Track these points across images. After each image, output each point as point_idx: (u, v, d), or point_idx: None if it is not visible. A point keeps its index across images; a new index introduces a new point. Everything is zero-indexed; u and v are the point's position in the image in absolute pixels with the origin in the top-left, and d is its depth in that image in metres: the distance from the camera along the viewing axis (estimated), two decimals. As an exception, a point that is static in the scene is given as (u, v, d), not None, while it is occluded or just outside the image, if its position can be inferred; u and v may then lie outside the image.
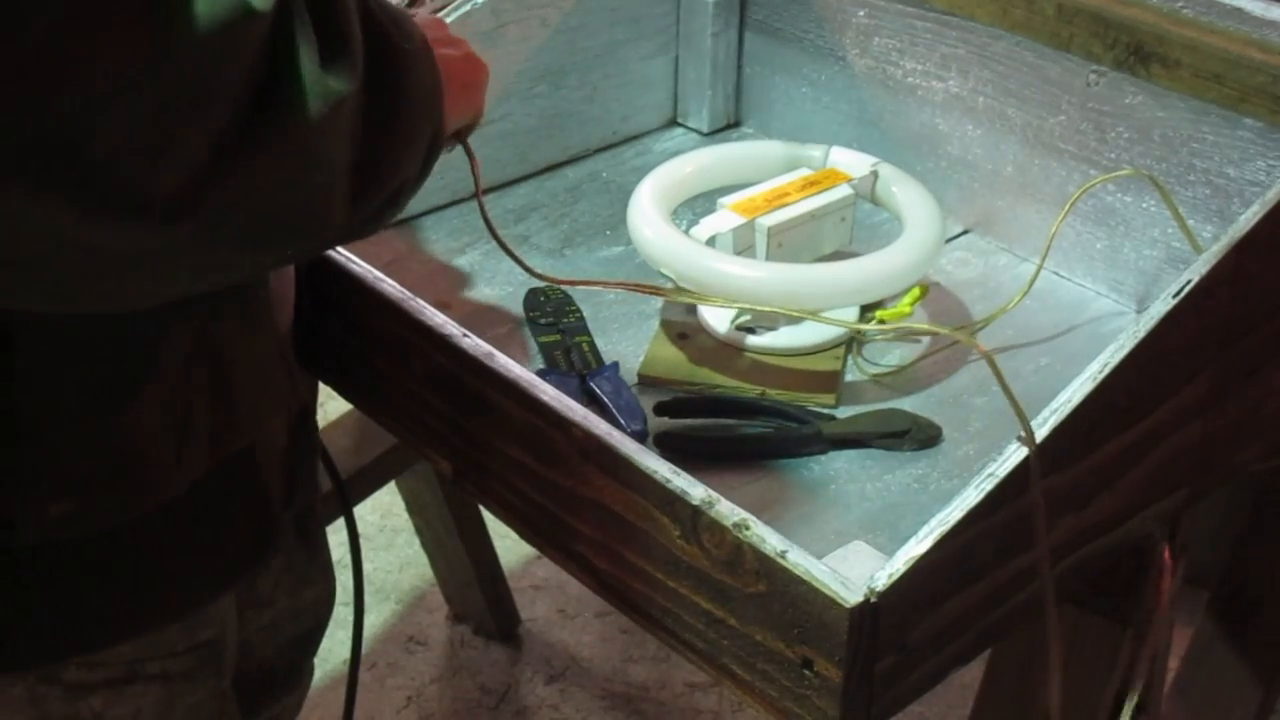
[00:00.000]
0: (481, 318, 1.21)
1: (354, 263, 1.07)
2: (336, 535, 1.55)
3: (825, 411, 1.10)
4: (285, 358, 1.01)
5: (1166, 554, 1.15)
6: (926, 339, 1.17)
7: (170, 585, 0.93)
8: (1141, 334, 0.89)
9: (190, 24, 0.62)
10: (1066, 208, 1.18)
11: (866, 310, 1.20)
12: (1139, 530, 1.02)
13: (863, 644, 0.79)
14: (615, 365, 1.14)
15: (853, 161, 1.26)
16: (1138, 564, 1.09)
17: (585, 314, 1.20)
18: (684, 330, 1.19)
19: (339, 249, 1.07)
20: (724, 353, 1.17)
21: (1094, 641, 1.09)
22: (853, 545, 0.95)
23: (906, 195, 1.25)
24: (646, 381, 1.14)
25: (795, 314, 1.11)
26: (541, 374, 1.12)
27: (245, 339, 0.92)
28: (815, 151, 1.29)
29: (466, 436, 1.02)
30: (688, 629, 0.89)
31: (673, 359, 1.16)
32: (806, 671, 0.82)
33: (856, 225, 1.25)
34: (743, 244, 1.18)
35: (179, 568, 0.93)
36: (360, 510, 1.46)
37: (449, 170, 1.34)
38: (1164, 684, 1.24)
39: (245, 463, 0.95)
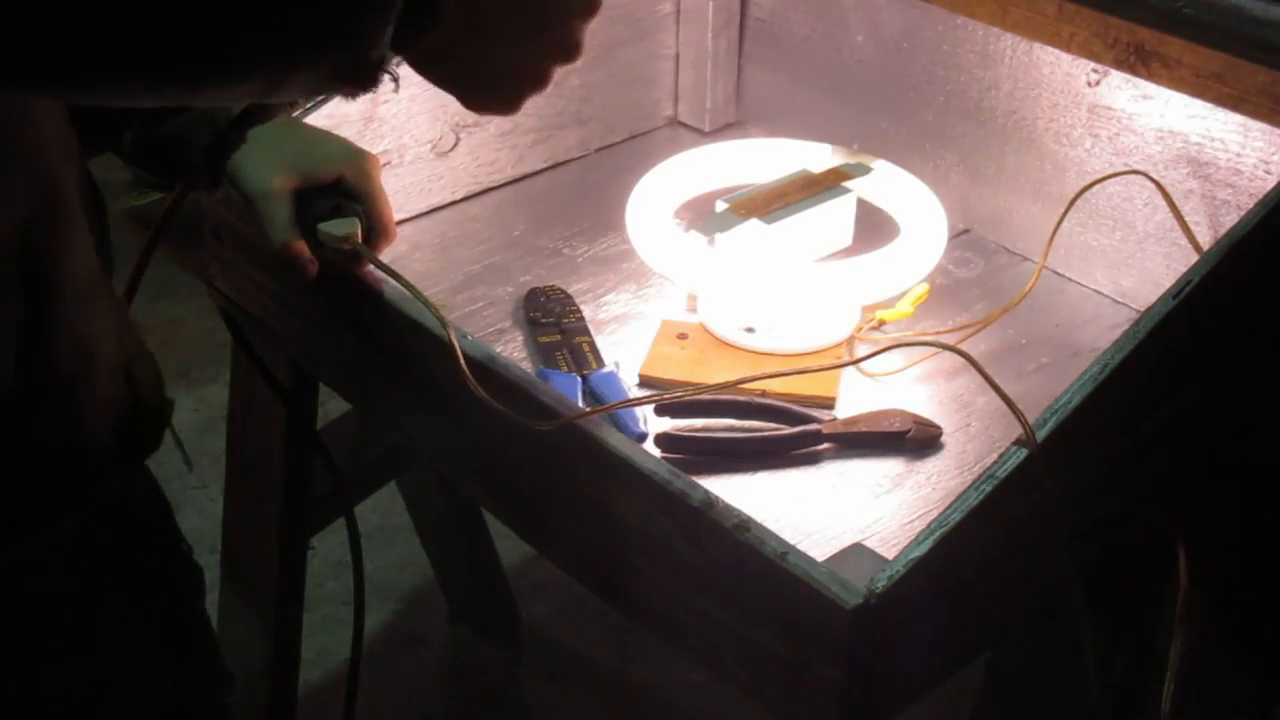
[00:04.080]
0: (481, 318, 1.21)
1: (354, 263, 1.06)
2: (337, 535, 1.55)
3: (825, 412, 1.10)
4: (117, 308, 0.94)
5: (1168, 554, 1.15)
6: (927, 338, 1.17)
7: None
8: (1142, 334, 0.89)
9: None
10: (1067, 207, 1.18)
11: (868, 311, 1.20)
12: (1140, 530, 1.02)
13: (863, 645, 0.79)
14: (615, 365, 1.14)
15: (858, 162, 1.26)
16: (1139, 564, 1.09)
17: (585, 314, 1.20)
18: (684, 330, 1.19)
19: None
20: (724, 353, 1.17)
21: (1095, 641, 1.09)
22: (853, 546, 0.95)
23: (907, 195, 1.25)
24: (647, 382, 1.14)
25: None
26: (542, 374, 1.12)
27: (75, 264, 0.85)
28: (815, 152, 1.29)
29: (466, 436, 1.02)
30: (688, 629, 0.89)
31: (673, 359, 1.16)
32: (807, 672, 0.82)
33: (856, 225, 1.25)
34: (742, 244, 1.18)
35: None
36: (361, 510, 1.46)
37: (448, 171, 1.34)
38: (1165, 683, 1.24)
39: (63, 394, 0.87)
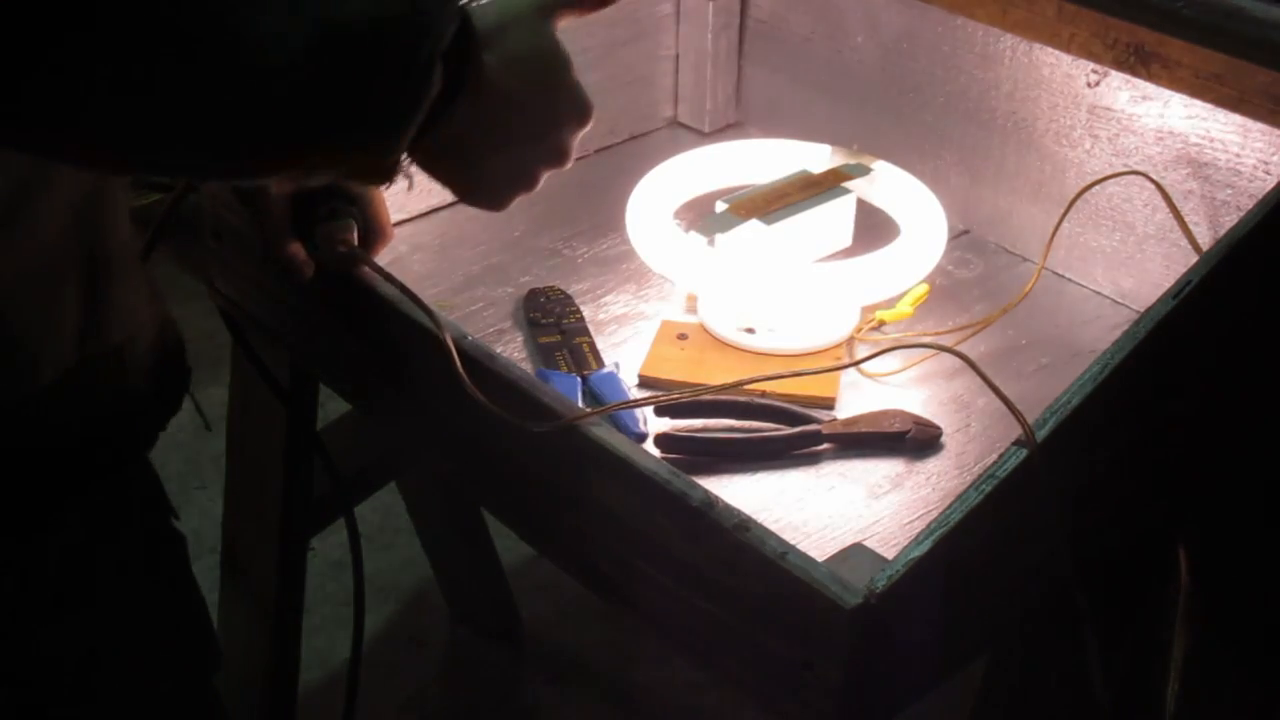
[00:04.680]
0: (481, 318, 1.21)
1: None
2: (337, 535, 1.55)
3: (825, 413, 1.10)
4: (148, 276, 0.99)
5: (1168, 553, 1.15)
6: (926, 338, 1.17)
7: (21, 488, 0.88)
8: (1141, 335, 0.89)
9: None
10: (1067, 208, 1.18)
11: (868, 311, 1.20)
12: (1141, 530, 1.02)
13: (863, 645, 0.79)
14: (615, 366, 1.14)
15: (858, 163, 1.26)
16: (1140, 563, 1.09)
17: (585, 315, 1.20)
18: (684, 331, 1.19)
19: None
20: (724, 353, 1.17)
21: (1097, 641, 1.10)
22: (852, 547, 0.95)
23: (906, 195, 1.25)
24: (647, 382, 1.14)
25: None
26: (541, 375, 1.12)
27: (119, 238, 0.90)
28: (815, 153, 1.29)
29: (466, 437, 1.02)
30: (688, 630, 0.89)
31: (673, 360, 1.16)
32: (806, 672, 0.82)
33: (856, 225, 1.25)
34: (742, 245, 1.18)
35: (35, 467, 0.88)
36: (361, 510, 1.46)
37: (449, 170, 1.34)
38: (1169, 683, 1.24)
39: (113, 363, 0.91)
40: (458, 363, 0.94)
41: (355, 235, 1.03)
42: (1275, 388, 1.06)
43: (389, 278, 1.02)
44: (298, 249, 1.03)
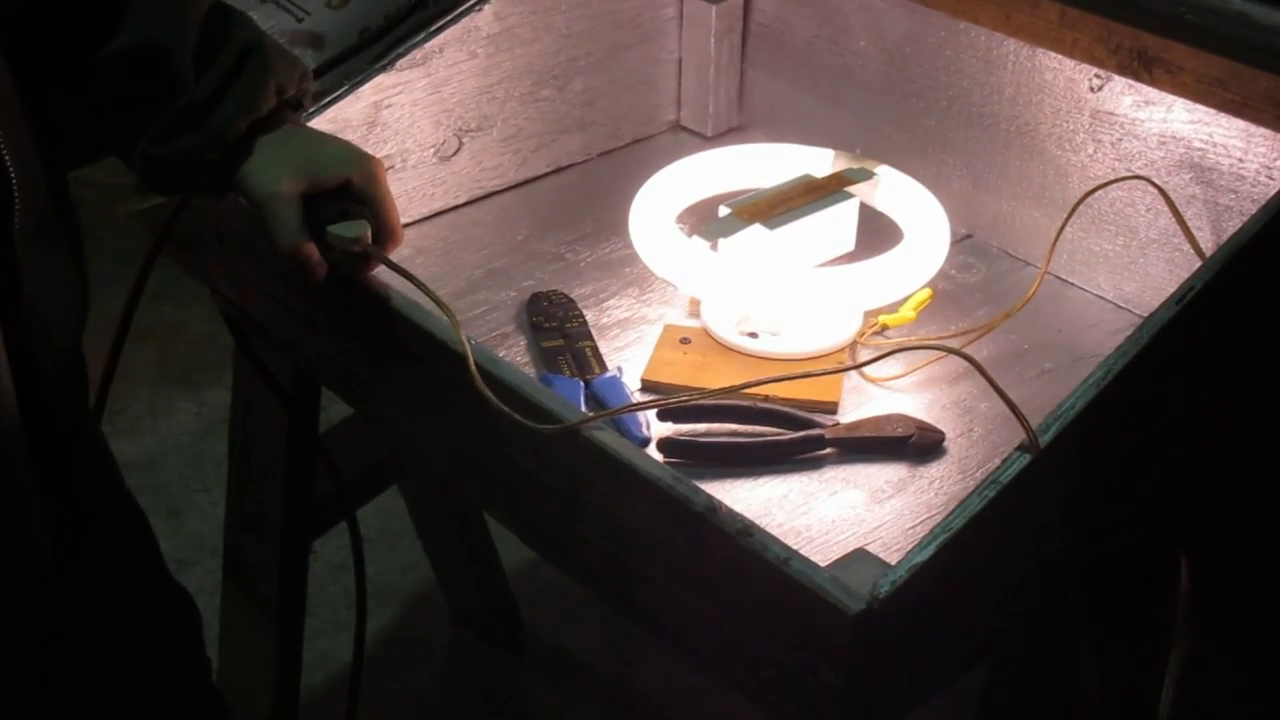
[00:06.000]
0: (484, 322, 1.21)
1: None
2: (339, 538, 1.55)
3: (828, 417, 1.10)
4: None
5: (1169, 560, 1.15)
6: (930, 341, 1.17)
7: None
8: (1144, 340, 0.89)
9: None
10: (1070, 212, 1.18)
11: (870, 316, 1.20)
12: (1142, 536, 1.02)
13: (866, 651, 0.79)
14: (618, 370, 1.14)
15: (860, 168, 1.26)
16: (1141, 569, 1.09)
17: (588, 319, 1.20)
18: (687, 335, 1.19)
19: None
20: (726, 358, 1.17)
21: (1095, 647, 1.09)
22: (855, 552, 0.95)
23: (909, 200, 1.25)
24: (649, 387, 1.14)
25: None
26: (544, 379, 1.12)
27: None
28: (818, 157, 1.29)
29: (469, 440, 1.02)
30: (690, 634, 0.89)
31: (676, 364, 1.16)
32: (809, 678, 0.82)
33: (859, 230, 1.25)
34: (745, 249, 1.18)
35: None
36: (362, 513, 1.46)
37: (450, 175, 1.34)
38: (1164, 689, 1.24)
39: None
40: (472, 365, 0.94)
41: (369, 236, 1.03)
42: (1278, 394, 1.06)
43: (408, 275, 1.01)
44: (312, 250, 1.02)
